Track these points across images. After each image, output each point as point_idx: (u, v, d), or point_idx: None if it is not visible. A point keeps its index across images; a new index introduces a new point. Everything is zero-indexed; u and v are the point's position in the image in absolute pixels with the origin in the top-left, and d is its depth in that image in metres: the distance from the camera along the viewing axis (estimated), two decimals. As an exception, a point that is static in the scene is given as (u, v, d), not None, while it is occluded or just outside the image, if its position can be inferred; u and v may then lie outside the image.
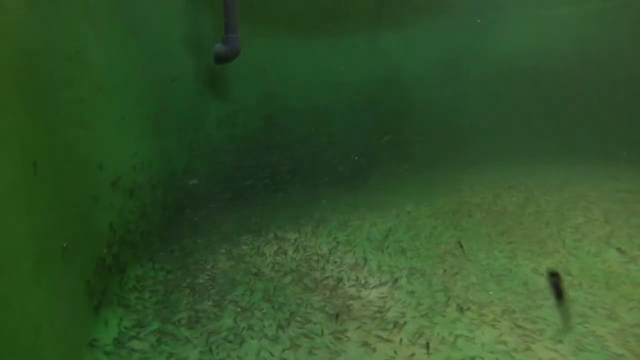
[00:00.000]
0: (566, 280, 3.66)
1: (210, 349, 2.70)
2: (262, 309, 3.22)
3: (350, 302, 3.32)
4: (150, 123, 4.45)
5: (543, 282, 3.62)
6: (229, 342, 2.79)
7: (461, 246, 4.30)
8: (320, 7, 6.42)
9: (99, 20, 3.39)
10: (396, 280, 3.70)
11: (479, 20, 8.20)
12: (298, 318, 3.09)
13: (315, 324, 3.01)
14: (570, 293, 3.46)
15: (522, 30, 8.99)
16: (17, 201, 1.93)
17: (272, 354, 2.66)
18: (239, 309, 3.22)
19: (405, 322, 3.02)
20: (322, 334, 2.89)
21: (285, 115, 6.43)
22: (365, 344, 2.77)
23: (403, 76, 7.80)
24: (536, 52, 9.05)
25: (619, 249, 4.27)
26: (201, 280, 3.70)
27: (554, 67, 9.13)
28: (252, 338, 2.83)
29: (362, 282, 3.67)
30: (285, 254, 4.29)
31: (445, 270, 3.89)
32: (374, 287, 3.59)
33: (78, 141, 2.86)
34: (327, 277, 3.77)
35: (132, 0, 4.11)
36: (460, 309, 3.20)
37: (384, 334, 2.87)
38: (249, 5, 5.29)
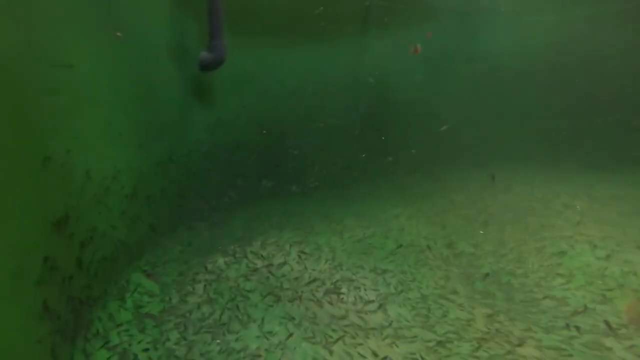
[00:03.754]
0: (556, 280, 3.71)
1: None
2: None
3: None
4: (137, 131, 4.35)
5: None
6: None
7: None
8: (308, 13, 6.45)
9: (84, 28, 3.32)
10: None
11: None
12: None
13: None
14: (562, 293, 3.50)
15: (507, 35, 9.25)
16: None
17: None
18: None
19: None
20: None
21: (274, 121, 6.40)
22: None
23: (389, 79, 7.89)
24: (518, 54, 9.33)
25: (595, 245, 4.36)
26: (188, 289, 3.64)
27: (536, 68, 9.42)
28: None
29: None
30: (272, 265, 4.23)
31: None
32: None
33: (62, 150, 2.77)
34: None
35: (118, 8, 4.05)
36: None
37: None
38: (236, 13, 5.27)
